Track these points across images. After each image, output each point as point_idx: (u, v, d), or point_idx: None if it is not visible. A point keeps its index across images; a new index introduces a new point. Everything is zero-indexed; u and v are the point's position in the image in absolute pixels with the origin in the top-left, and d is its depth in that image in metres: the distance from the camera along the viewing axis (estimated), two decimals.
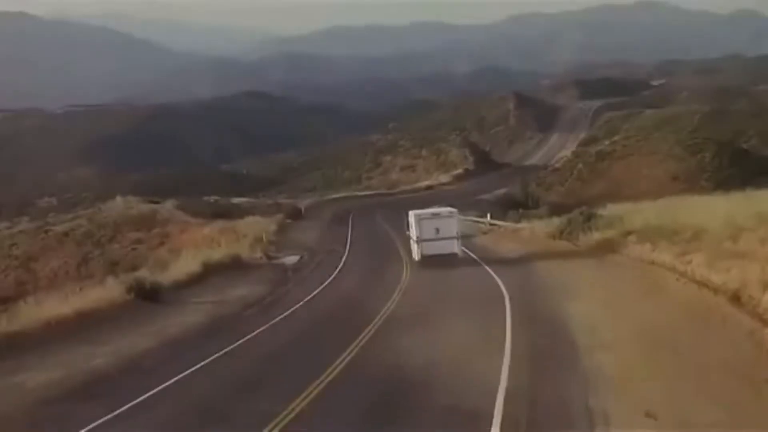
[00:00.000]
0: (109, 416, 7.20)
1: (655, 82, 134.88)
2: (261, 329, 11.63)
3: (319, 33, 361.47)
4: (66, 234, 40.66)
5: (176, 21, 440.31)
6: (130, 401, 7.66)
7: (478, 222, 29.12)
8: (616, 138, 64.15)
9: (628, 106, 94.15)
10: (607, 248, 17.23)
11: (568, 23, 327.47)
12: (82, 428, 6.84)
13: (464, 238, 20.99)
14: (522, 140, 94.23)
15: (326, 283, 17.20)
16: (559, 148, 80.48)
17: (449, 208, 20.13)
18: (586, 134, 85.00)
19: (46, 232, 41.92)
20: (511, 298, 12.60)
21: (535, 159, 77.87)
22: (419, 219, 18.49)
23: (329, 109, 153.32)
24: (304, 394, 7.49)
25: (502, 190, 51.41)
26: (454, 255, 18.04)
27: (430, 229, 18.21)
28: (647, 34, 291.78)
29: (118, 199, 46.10)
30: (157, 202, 44.27)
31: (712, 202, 18.38)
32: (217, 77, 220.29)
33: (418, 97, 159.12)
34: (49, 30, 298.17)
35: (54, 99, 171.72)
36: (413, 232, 18.73)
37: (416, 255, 18.63)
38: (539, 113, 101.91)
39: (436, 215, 18.98)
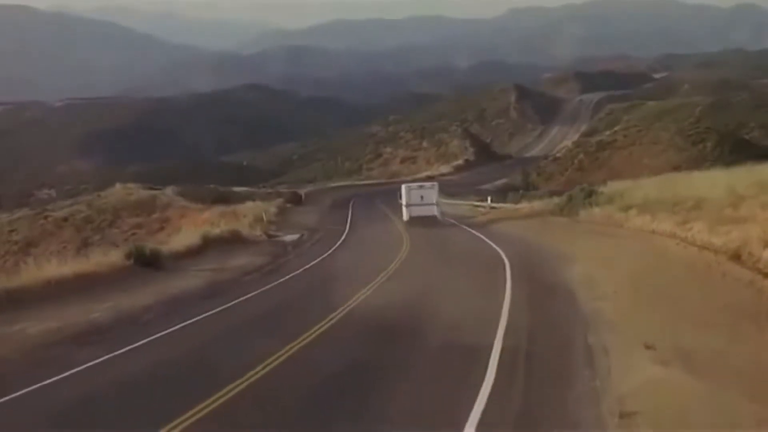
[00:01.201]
0: (108, 356, 7.30)
1: (656, 75, 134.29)
2: (260, 290, 11.66)
3: (320, 27, 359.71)
4: (65, 219, 40.60)
5: (177, 15, 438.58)
6: (128, 346, 7.71)
7: (478, 206, 29.14)
8: (617, 128, 63.90)
9: (630, 98, 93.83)
10: (608, 222, 17.21)
11: (569, 16, 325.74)
12: (82, 365, 6.89)
13: (463, 219, 23.17)
14: (523, 132, 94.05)
15: (327, 253, 17.25)
16: (560, 140, 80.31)
17: (432, 182, 26.08)
18: (587, 126, 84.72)
19: (45, 218, 41.86)
20: (511, 264, 12.58)
21: (535, 151, 77.77)
22: (408, 189, 24.33)
23: (329, 102, 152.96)
24: (301, 338, 7.50)
25: (503, 180, 51.43)
26: (434, 217, 23.16)
27: (416, 196, 23.85)
28: (648, 28, 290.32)
29: (118, 185, 46.01)
30: (157, 189, 44.18)
31: (712, 176, 18.32)
32: (217, 70, 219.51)
33: (419, 90, 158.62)
34: (50, 23, 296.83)
35: (54, 92, 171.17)
36: (404, 199, 24.08)
37: (405, 216, 23.88)
38: (540, 106, 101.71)
39: (421, 186, 25.06)
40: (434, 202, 23.67)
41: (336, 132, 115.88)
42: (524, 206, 24.74)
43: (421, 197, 23.62)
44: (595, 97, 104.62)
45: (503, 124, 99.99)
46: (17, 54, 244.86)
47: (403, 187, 24.68)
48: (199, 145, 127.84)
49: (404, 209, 23.90)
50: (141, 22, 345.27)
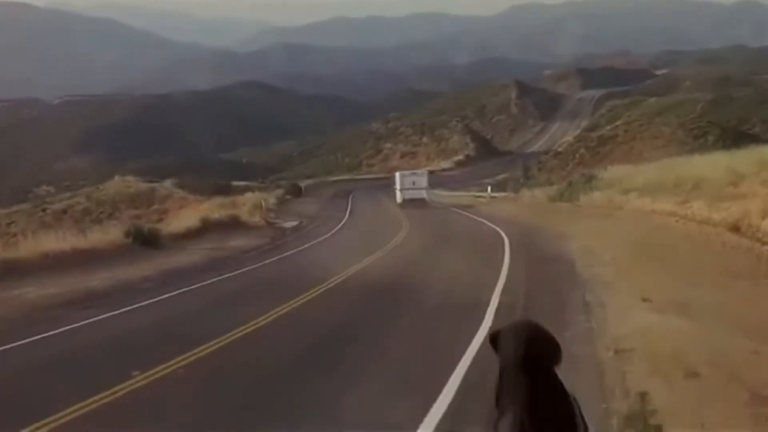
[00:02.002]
0: (106, 315, 7.38)
1: (658, 72, 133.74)
2: (258, 264, 11.68)
3: (320, 24, 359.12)
4: (64, 211, 40.53)
5: (176, 12, 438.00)
6: (126, 307, 7.76)
7: (478, 197, 29.25)
8: (618, 123, 63.72)
9: (631, 95, 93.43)
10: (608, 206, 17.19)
11: (570, 13, 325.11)
12: (81, 322, 6.93)
13: (464, 207, 24.03)
14: (523, 128, 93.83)
15: (327, 235, 17.28)
16: (560, 136, 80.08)
17: (422, 170, 30.04)
18: (588, 122, 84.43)
19: (43, 210, 41.80)
20: (510, 240, 12.58)
21: (536, 147, 77.64)
22: (402, 175, 28.07)
23: (329, 99, 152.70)
24: (289, 302, 7.52)
25: (503, 175, 51.58)
26: (423, 200, 26.27)
27: (408, 182, 27.14)
28: (650, 24, 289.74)
29: (117, 178, 46.02)
30: (155, 182, 44.14)
31: (713, 158, 18.27)
32: (216, 68, 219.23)
33: (419, 88, 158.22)
34: (48, 20, 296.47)
35: (53, 89, 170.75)
36: (398, 184, 27.49)
37: (398, 199, 27.10)
38: (541, 102, 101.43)
39: (413, 173, 28.82)
40: (424, 187, 27.08)
41: (336, 129, 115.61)
42: (524, 194, 24.74)
43: (413, 183, 27.02)
44: (596, 93, 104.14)
45: (504, 120, 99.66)
46: (15, 51, 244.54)
47: (397, 174, 28.96)
48: (199, 142, 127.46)
49: (398, 193, 27.25)
50: (140, 20, 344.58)
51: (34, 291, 8.60)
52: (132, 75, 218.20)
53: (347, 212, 25.25)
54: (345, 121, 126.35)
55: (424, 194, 26.75)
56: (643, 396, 3.16)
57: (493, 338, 1.47)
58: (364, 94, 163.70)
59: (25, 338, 6.24)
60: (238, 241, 15.93)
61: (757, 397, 3.45)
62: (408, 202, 25.64)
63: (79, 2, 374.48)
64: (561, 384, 1.42)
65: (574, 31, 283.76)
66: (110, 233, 13.69)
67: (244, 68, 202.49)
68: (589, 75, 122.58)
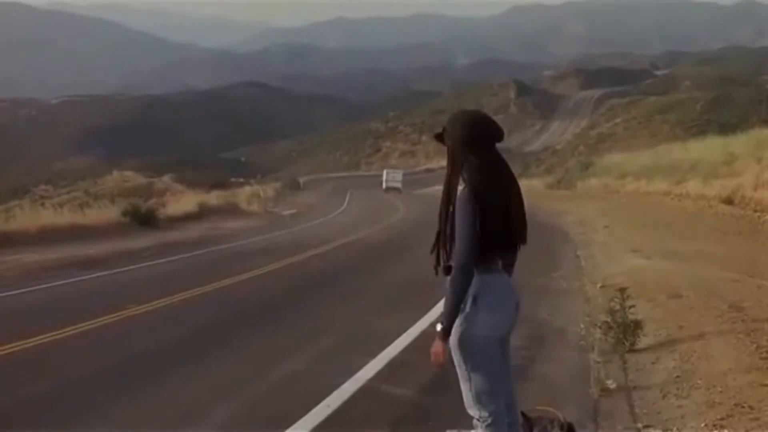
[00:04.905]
0: (104, 272, 7.54)
1: (658, 72, 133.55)
2: (258, 238, 11.80)
3: (320, 25, 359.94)
4: (62, 205, 40.59)
5: (176, 12, 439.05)
6: (123, 267, 7.91)
7: None
8: (617, 120, 63.74)
9: (631, 94, 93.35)
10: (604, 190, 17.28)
11: (571, 14, 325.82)
12: (80, 277, 7.17)
13: None
14: (523, 128, 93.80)
15: (326, 218, 17.41)
16: (559, 135, 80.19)
17: (400, 169, 42.43)
18: (587, 122, 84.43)
19: (42, 204, 41.87)
20: None
21: (535, 145, 77.74)
22: (387, 172, 41.19)
23: (329, 99, 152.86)
24: (291, 257, 7.66)
25: None
26: (398, 189, 36.38)
27: (390, 176, 40.02)
28: (650, 25, 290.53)
29: (115, 172, 46.17)
30: (154, 177, 44.25)
31: (709, 142, 18.38)
32: (216, 68, 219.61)
33: (419, 88, 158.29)
34: (46, 20, 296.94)
35: (51, 89, 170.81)
36: (384, 177, 39.81)
37: (383, 186, 38.22)
38: (540, 102, 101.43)
39: (394, 170, 42.17)
40: (400, 180, 39.15)
41: (335, 128, 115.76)
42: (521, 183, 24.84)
43: (393, 177, 39.74)
44: (595, 93, 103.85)
45: (503, 119, 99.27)
46: (14, 51, 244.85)
47: (384, 170, 42.06)
48: (198, 142, 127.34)
49: (384, 183, 38.88)
50: (139, 20, 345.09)
51: (32, 256, 8.67)
52: (131, 75, 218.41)
53: (346, 202, 25.43)
54: (345, 120, 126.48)
55: (399, 185, 38.07)
56: (622, 291, 3.24)
57: (439, 135, 1.69)
58: (363, 94, 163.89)
59: (24, 288, 6.42)
60: (236, 223, 16.02)
61: (734, 307, 3.53)
62: (389, 189, 36.83)
63: (77, 2, 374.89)
64: (504, 160, 1.60)
65: (575, 32, 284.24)
66: (107, 211, 13.74)
67: (244, 68, 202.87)
68: (589, 75, 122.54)
